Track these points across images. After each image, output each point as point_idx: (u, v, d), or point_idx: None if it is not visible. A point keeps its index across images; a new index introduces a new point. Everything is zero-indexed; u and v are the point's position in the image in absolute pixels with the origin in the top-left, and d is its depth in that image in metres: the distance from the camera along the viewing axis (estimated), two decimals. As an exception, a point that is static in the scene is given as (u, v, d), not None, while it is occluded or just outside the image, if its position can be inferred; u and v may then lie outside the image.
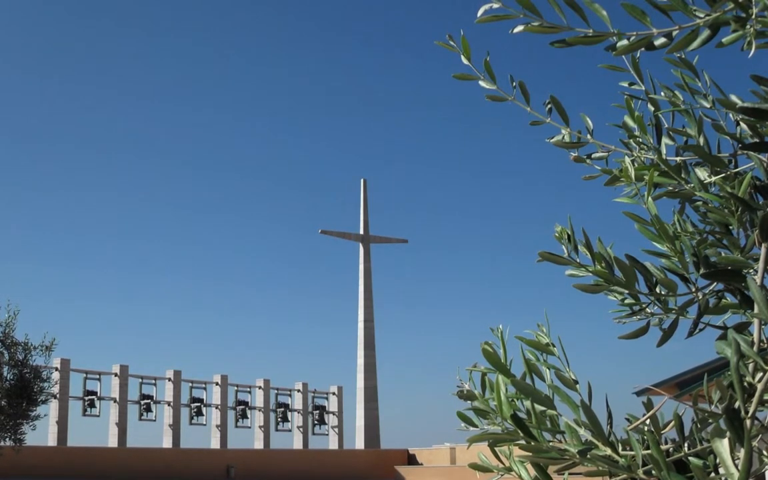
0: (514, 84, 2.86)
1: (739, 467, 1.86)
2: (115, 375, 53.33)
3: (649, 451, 2.14)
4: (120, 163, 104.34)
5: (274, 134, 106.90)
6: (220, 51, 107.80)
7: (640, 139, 2.78)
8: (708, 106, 2.77)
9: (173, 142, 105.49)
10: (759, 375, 2.01)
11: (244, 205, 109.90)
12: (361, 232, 66.38)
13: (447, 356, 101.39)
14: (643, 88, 2.89)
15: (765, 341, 2.12)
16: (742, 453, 1.86)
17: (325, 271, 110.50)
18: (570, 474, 2.43)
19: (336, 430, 64.09)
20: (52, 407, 49.46)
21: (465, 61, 2.82)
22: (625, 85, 2.91)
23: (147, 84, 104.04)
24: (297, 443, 62.14)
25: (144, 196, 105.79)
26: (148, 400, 55.05)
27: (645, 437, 2.35)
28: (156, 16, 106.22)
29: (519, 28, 2.35)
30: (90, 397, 52.21)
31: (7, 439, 32.84)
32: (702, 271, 2.49)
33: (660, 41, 2.26)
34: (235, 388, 59.70)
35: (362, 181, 67.38)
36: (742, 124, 2.65)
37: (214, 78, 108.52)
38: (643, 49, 2.30)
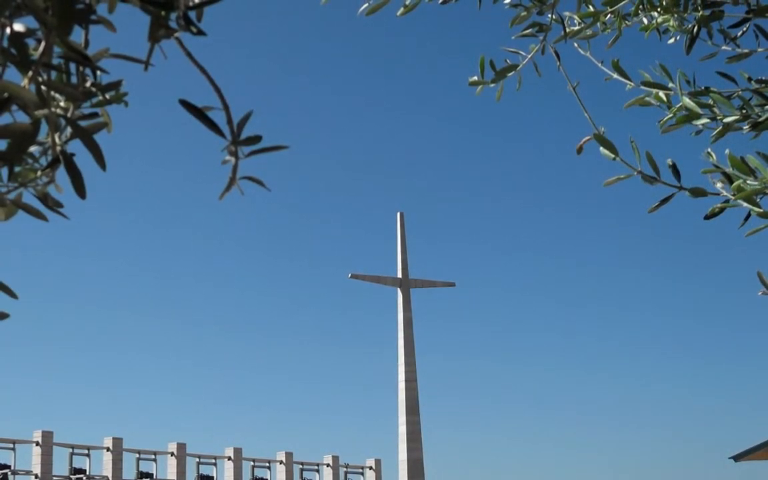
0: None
1: None
2: (108, 449, 52.88)
3: None
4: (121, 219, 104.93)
5: (293, 165, 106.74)
6: (247, 83, 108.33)
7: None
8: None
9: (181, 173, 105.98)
10: None
11: (262, 248, 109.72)
12: (399, 275, 65.54)
13: (507, 419, 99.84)
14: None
15: None
16: None
17: (357, 322, 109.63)
18: None
19: (372, 512, 63.01)
20: (34, 489, 49.10)
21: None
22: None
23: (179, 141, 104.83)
24: (325, 529, 61.20)
25: (142, 253, 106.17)
26: (147, 479, 54.50)
27: None
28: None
29: None
30: (78, 476, 51.75)
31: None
32: None
33: None
34: (252, 463, 59.05)
35: (398, 214, 66.69)
36: None
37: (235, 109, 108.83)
38: None
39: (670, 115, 4.34)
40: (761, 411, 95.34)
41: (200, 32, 2.09)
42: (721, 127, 4.23)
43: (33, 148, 2.17)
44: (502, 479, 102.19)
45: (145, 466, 54.89)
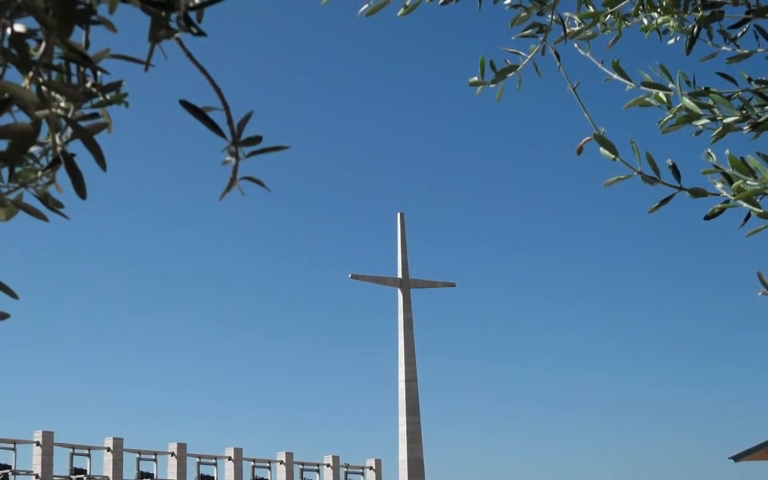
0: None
1: None
2: (108, 449, 52.85)
3: None
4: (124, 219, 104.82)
5: (293, 165, 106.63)
6: (247, 83, 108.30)
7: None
8: None
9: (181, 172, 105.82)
10: None
11: (262, 248, 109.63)
12: (399, 275, 65.49)
13: (507, 419, 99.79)
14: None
15: None
16: None
17: (357, 322, 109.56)
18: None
19: (372, 513, 62.93)
20: (34, 489, 49.04)
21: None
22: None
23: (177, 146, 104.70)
24: (325, 529, 61.13)
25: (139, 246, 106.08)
26: (148, 479, 54.45)
27: None
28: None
29: None
30: (78, 476, 51.71)
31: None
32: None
33: None
34: (252, 463, 59.00)
35: (398, 214, 66.64)
36: None
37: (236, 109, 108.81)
38: None
39: (670, 115, 4.34)
40: (761, 411, 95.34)
41: (200, 33, 2.09)
42: (721, 128, 4.22)
43: (33, 149, 2.16)
44: (502, 479, 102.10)
45: (145, 467, 54.89)
